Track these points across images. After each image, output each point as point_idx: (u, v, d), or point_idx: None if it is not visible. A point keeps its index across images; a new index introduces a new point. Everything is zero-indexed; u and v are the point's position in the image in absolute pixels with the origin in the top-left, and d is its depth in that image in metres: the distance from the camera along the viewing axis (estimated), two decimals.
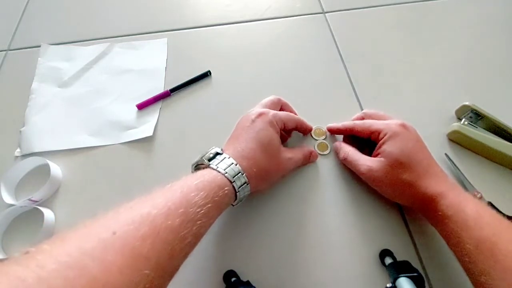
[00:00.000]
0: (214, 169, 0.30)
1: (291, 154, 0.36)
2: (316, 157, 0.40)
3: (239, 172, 0.30)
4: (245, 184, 0.31)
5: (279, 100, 0.40)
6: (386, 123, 0.35)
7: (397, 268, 0.31)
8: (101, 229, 0.22)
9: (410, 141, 0.34)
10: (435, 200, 0.31)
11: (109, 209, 0.24)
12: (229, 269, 0.33)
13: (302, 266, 0.34)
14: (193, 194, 0.26)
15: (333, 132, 0.42)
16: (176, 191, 0.26)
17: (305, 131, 0.41)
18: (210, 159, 0.31)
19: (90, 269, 0.19)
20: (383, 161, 0.33)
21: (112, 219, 0.23)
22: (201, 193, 0.26)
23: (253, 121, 0.34)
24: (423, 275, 0.31)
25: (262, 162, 0.33)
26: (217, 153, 0.32)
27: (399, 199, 0.35)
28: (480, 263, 0.26)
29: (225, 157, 0.31)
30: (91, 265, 0.19)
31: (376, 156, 0.35)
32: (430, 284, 0.33)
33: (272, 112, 0.36)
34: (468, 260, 0.27)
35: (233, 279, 0.32)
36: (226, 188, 0.29)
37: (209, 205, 0.26)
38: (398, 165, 0.33)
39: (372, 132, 0.36)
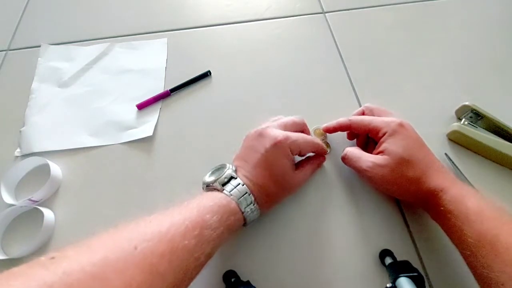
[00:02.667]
0: (227, 196, 0.30)
1: (301, 174, 0.36)
2: (324, 160, 0.40)
3: (251, 203, 0.31)
4: (256, 211, 0.32)
5: (304, 123, 0.38)
6: (385, 121, 0.35)
7: (397, 268, 0.31)
8: (123, 241, 0.22)
9: (410, 139, 0.34)
10: (437, 195, 0.31)
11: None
12: (229, 269, 0.33)
13: (302, 266, 0.34)
14: (208, 216, 0.27)
15: (330, 131, 0.40)
16: (193, 209, 0.27)
17: (319, 154, 0.39)
18: (224, 184, 0.31)
19: (112, 282, 0.19)
20: (387, 158, 0.33)
21: (134, 232, 0.24)
22: (215, 216, 0.27)
23: (267, 150, 0.32)
24: (423, 275, 0.31)
25: (273, 191, 0.33)
26: (231, 177, 0.32)
27: (403, 196, 0.35)
28: (481, 256, 0.26)
29: (239, 184, 0.31)
30: (113, 278, 0.20)
31: (377, 154, 0.35)
32: (430, 284, 0.33)
33: (291, 140, 0.33)
34: (470, 253, 0.27)
35: (233, 279, 0.32)
36: (237, 214, 0.30)
37: (222, 228, 0.28)
38: (403, 162, 0.33)
39: (370, 130, 0.36)
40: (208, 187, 0.32)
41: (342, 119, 0.39)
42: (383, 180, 0.34)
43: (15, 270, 0.18)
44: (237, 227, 0.31)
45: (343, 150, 0.38)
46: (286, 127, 0.36)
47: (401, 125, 0.35)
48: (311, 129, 0.43)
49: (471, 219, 0.28)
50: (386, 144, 0.34)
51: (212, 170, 0.34)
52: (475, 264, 0.27)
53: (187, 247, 0.24)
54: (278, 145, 0.32)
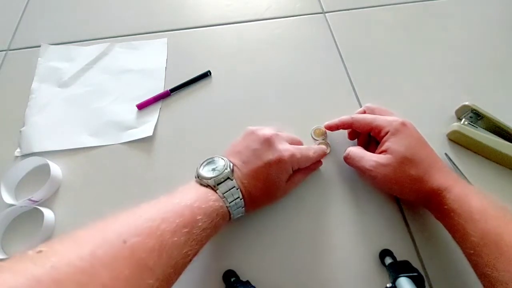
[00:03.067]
0: (220, 198, 0.31)
1: (291, 183, 0.35)
2: (320, 165, 0.40)
3: (241, 206, 0.32)
4: (242, 213, 0.34)
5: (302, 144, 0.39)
6: (388, 120, 0.35)
7: (397, 268, 0.31)
8: (112, 235, 0.22)
9: (412, 138, 0.34)
10: (441, 194, 0.31)
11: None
12: (229, 268, 0.33)
13: (302, 266, 0.34)
14: (199, 217, 0.27)
15: (331, 129, 0.40)
16: (185, 208, 0.27)
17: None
18: (219, 183, 0.31)
19: (101, 276, 0.20)
20: (390, 157, 0.33)
21: (123, 226, 0.24)
22: (207, 219, 0.28)
23: (269, 163, 0.32)
24: (423, 275, 0.31)
25: (261, 199, 0.34)
26: (228, 178, 0.32)
27: (405, 195, 0.35)
28: (485, 255, 0.26)
29: (234, 187, 0.31)
30: (102, 272, 0.20)
31: (380, 153, 0.35)
32: (430, 284, 0.33)
33: (295, 158, 0.34)
34: (473, 252, 0.27)
35: (232, 278, 0.32)
36: (226, 216, 0.31)
37: (210, 230, 0.29)
38: (405, 161, 0.33)
39: (373, 128, 0.36)
40: (200, 179, 0.32)
41: (344, 117, 0.39)
42: (385, 179, 0.34)
43: (2, 264, 0.18)
44: (223, 226, 0.32)
45: (345, 150, 0.38)
46: (293, 141, 0.37)
47: (403, 124, 0.35)
48: (311, 129, 0.43)
49: (475, 218, 0.28)
50: (389, 143, 0.34)
51: (208, 161, 0.34)
52: (479, 263, 0.27)
53: (177, 244, 0.25)
54: (282, 162, 0.33)
